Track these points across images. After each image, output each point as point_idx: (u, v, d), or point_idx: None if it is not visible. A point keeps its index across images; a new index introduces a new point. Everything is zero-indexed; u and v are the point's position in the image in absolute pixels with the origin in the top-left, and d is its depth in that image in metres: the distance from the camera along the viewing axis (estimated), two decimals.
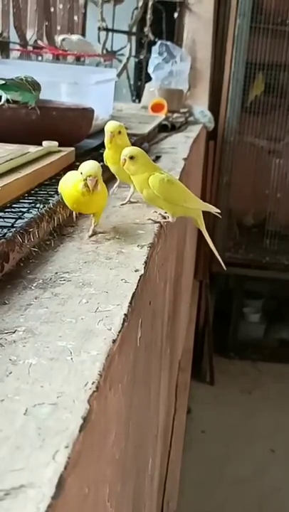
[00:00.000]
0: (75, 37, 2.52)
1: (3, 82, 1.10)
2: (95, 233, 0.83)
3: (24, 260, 0.71)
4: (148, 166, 0.92)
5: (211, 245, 1.06)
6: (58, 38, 2.45)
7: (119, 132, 0.97)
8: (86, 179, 0.77)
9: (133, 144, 1.50)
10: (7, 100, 1.11)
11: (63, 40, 2.42)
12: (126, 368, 0.65)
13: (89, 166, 0.78)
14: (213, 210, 1.04)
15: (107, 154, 1.01)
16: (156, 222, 0.92)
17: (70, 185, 0.80)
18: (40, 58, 2.48)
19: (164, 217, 0.94)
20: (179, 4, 3.10)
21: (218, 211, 1.05)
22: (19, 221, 0.73)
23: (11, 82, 1.11)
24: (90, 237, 0.82)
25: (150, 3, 3.10)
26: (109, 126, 0.98)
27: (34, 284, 0.65)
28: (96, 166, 0.78)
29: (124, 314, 0.59)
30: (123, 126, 0.99)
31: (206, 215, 1.05)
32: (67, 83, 1.42)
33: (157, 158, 1.56)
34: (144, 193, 0.92)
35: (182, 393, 2.38)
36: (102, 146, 1.35)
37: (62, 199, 0.83)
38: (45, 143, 1.04)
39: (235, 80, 3.18)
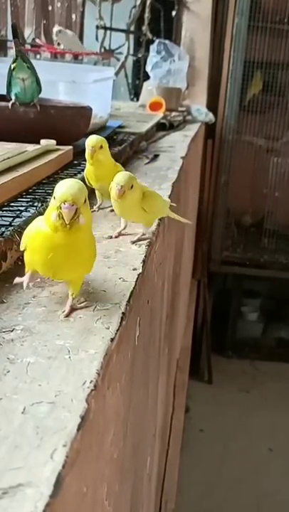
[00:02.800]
0: (70, 32, 2.49)
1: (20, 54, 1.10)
2: (73, 309, 0.59)
3: (22, 259, 0.71)
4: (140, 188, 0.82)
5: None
6: (54, 29, 2.43)
7: (101, 147, 0.91)
8: (60, 206, 0.55)
9: (131, 143, 1.51)
10: (15, 95, 1.11)
11: (59, 31, 2.40)
12: (124, 366, 0.64)
13: (65, 187, 0.56)
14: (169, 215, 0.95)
15: (88, 171, 0.94)
16: (143, 239, 0.84)
17: (35, 231, 0.58)
18: (38, 57, 2.48)
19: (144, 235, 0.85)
20: (177, 3, 3.10)
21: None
22: (17, 220, 0.73)
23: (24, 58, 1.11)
24: (67, 315, 0.57)
25: (148, 2, 3.10)
26: (90, 141, 0.90)
27: (32, 283, 0.64)
28: (77, 187, 0.56)
29: (122, 313, 0.59)
30: (105, 140, 0.92)
31: (204, 213, 1.05)
32: (65, 81, 1.41)
33: (155, 157, 1.56)
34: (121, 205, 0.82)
35: (180, 392, 2.38)
36: None
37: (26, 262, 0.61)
38: (43, 141, 1.04)
39: (233, 78, 3.18)
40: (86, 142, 0.91)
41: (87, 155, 0.91)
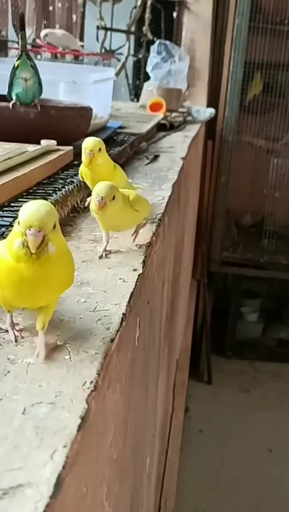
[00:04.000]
0: (59, 31, 2.47)
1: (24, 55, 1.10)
2: (50, 348, 0.51)
3: None
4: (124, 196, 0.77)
5: None
6: (41, 34, 2.41)
7: (100, 150, 0.85)
8: (25, 233, 0.47)
9: (131, 144, 1.51)
10: (16, 95, 1.11)
11: (46, 35, 2.38)
12: (124, 367, 0.65)
13: (31, 211, 0.47)
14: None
15: (85, 173, 0.89)
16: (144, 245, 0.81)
17: None
18: (38, 57, 2.48)
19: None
20: (178, 3, 3.10)
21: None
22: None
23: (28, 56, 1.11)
24: (45, 357, 0.49)
25: (149, 3, 3.10)
26: (88, 144, 0.85)
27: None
28: (44, 211, 0.48)
29: (123, 314, 0.59)
30: (102, 142, 0.86)
31: (204, 214, 1.04)
32: (66, 82, 1.41)
33: (156, 158, 1.56)
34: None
35: (180, 392, 2.38)
36: None
37: None
38: (43, 142, 1.04)
39: (233, 79, 3.18)
40: (83, 145, 0.85)
41: (84, 159, 0.86)
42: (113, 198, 0.72)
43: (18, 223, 0.48)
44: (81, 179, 0.91)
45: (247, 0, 3.06)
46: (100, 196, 0.71)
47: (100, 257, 0.75)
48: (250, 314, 3.73)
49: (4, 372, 0.46)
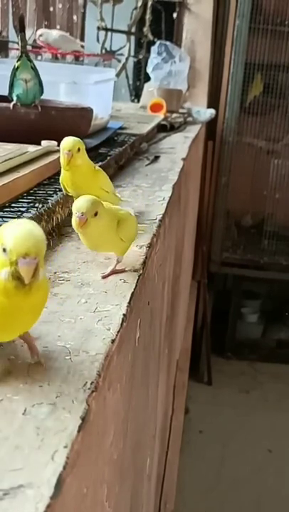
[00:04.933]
0: (55, 32, 2.46)
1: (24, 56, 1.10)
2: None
3: None
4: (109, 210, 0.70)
5: None
6: (37, 33, 2.39)
7: (78, 150, 0.80)
8: (17, 262, 0.41)
9: (132, 145, 1.51)
10: (17, 96, 1.11)
11: (41, 35, 2.36)
12: (124, 368, 0.65)
13: (23, 235, 0.42)
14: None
15: (64, 177, 0.83)
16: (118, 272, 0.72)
17: None
18: (39, 58, 2.48)
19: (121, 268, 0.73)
20: (178, 4, 3.10)
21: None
22: None
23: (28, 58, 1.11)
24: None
25: (149, 3, 3.10)
26: (66, 144, 0.80)
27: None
28: (37, 233, 0.42)
29: (123, 314, 0.59)
30: (82, 142, 0.82)
31: (204, 214, 1.03)
32: (66, 83, 1.42)
33: (156, 158, 1.56)
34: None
35: (180, 393, 2.38)
36: (101, 145, 1.35)
37: None
38: (44, 142, 1.04)
39: (234, 80, 3.18)
40: (61, 145, 0.80)
41: (62, 160, 0.80)
42: (95, 215, 0.64)
43: (4, 250, 0.41)
44: (64, 190, 0.84)
45: (247, 1, 3.06)
46: (80, 212, 0.64)
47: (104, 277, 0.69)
48: (250, 315, 3.73)
49: (5, 373, 0.46)
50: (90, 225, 0.64)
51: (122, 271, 0.71)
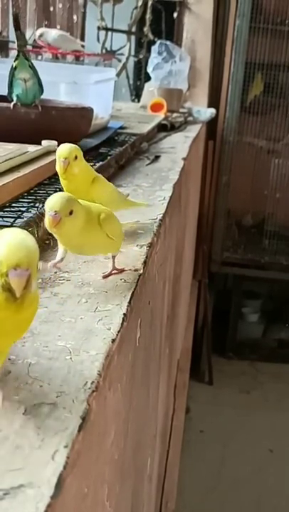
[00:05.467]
0: (55, 31, 2.45)
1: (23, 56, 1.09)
2: None
3: None
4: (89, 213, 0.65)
5: None
6: (37, 33, 2.39)
7: (76, 157, 0.76)
8: (7, 273, 0.38)
9: (132, 144, 1.51)
10: (17, 96, 1.11)
11: (41, 35, 2.36)
12: (125, 367, 0.65)
13: (15, 245, 0.39)
14: None
15: (63, 185, 0.80)
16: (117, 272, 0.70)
17: None
18: (39, 58, 2.48)
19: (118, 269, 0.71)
20: (179, 4, 3.10)
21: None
22: (18, 220, 0.73)
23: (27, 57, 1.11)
24: None
25: (149, 3, 3.10)
26: (62, 151, 0.76)
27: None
28: (30, 242, 0.40)
29: (124, 314, 0.59)
30: (79, 149, 0.77)
31: (205, 214, 1.03)
32: (67, 82, 1.41)
33: (156, 158, 1.56)
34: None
35: (181, 393, 2.38)
36: (101, 145, 1.35)
37: None
38: (44, 142, 1.04)
39: (234, 79, 3.18)
40: (57, 152, 0.76)
41: (58, 168, 0.76)
42: (71, 213, 0.60)
43: None
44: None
45: (248, 0, 3.05)
46: (54, 210, 0.59)
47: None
48: (251, 315, 3.72)
49: (5, 373, 0.46)
50: (64, 224, 0.59)
51: (122, 270, 0.70)
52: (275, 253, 3.42)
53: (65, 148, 0.76)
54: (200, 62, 3.09)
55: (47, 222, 0.59)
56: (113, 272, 0.69)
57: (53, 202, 0.59)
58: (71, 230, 0.61)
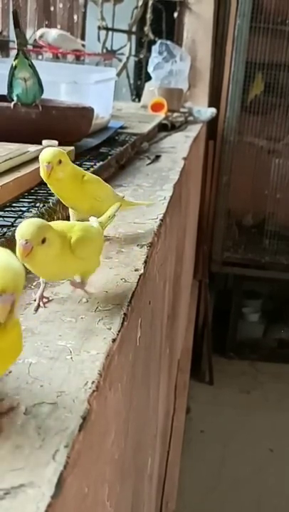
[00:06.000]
0: (55, 31, 2.45)
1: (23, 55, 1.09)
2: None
3: None
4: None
5: None
6: (37, 33, 2.38)
7: (60, 162, 0.72)
8: None
9: (133, 144, 1.51)
10: (17, 96, 1.10)
11: (41, 35, 2.36)
12: (125, 367, 0.65)
13: (1, 269, 0.38)
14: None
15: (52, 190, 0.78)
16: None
17: None
18: (40, 57, 2.48)
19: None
20: (179, 4, 3.10)
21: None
22: (19, 220, 0.73)
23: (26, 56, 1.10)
24: None
25: (150, 3, 3.10)
26: (45, 156, 0.72)
27: (34, 284, 0.64)
28: (16, 265, 0.39)
29: (124, 314, 0.59)
30: (64, 153, 0.74)
31: (205, 214, 1.03)
32: (67, 82, 1.41)
33: (157, 158, 1.56)
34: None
35: (181, 393, 2.38)
36: (101, 145, 1.35)
37: None
38: (44, 142, 1.04)
39: (234, 79, 3.18)
40: (40, 157, 0.73)
41: (42, 173, 0.73)
42: (43, 242, 0.54)
43: None
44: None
45: (248, 0, 3.05)
46: (24, 239, 0.53)
47: (36, 309, 0.59)
48: (252, 315, 3.72)
49: (6, 372, 0.46)
50: (36, 254, 0.53)
51: (89, 293, 0.62)
52: (275, 253, 3.42)
53: (48, 153, 0.73)
54: (200, 62, 3.09)
55: (17, 251, 0.53)
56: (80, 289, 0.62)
57: (24, 229, 0.53)
58: (44, 259, 0.55)
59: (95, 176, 0.82)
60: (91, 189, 0.78)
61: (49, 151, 0.73)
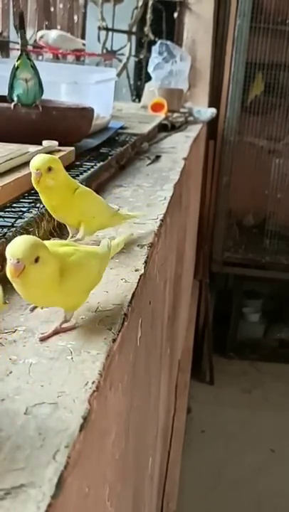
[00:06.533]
0: (54, 32, 2.45)
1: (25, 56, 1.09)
2: None
3: None
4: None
5: None
6: (38, 34, 2.39)
7: (49, 169, 0.69)
8: None
9: (133, 144, 1.51)
10: (17, 96, 1.10)
11: (41, 36, 2.36)
12: (126, 367, 0.65)
13: None
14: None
15: (42, 199, 0.74)
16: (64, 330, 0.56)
17: None
18: (40, 58, 2.48)
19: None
20: (179, 4, 3.10)
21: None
22: (19, 220, 0.73)
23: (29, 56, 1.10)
24: None
25: (150, 3, 3.10)
26: (35, 162, 0.69)
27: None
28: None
29: (124, 314, 0.59)
30: (56, 159, 0.71)
31: (206, 214, 1.03)
32: (67, 83, 1.42)
33: (157, 158, 1.56)
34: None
35: (182, 393, 2.38)
36: (102, 145, 1.36)
37: None
38: (45, 142, 1.04)
39: (235, 79, 3.18)
40: (30, 163, 0.70)
41: (32, 180, 0.70)
42: (36, 261, 0.50)
43: None
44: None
45: (248, 0, 3.05)
46: (15, 258, 0.49)
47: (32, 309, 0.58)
48: (252, 315, 3.72)
49: (6, 373, 0.46)
50: (28, 273, 0.50)
51: (70, 329, 0.55)
52: (276, 253, 3.42)
53: (38, 159, 0.69)
54: (200, 62, 3.09)
55: (8, 271, 0.50)
56: (56, 333, 0.55)
57: (15, 247, 0.50)
58: (35, 281, 0.51)
59: (87, 189, 0.78)
60: (82, 203, 0.74)
61: (39, 157, 0.70)
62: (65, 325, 0.55)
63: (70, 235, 0.77)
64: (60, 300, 0.55)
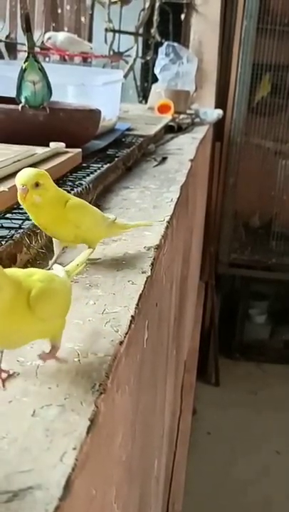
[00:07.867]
0: (62, 34, 2.45)
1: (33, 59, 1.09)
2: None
3: (31, 261, 0.71)
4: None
5: None
6: (45, 37, 2.39)
7: (37, 184, 0.63)
8: None
9: (139, 146, 1.51)
10: (25, 98, 1.11)
11: (49, 38, 2.36)
12: (133, 369, 0.65)
13: None
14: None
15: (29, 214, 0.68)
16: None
17: None
18: (47, 59, 2.48)
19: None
20: (186, 5, 3.10)
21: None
22: (27, 222, 0.74)
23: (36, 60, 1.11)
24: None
25: (157, 5, 3.10)
26: (20, 177, 0.62)
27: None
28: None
29: (131, 316, 0.59)
30: (45, 174, 0.65)
31: (212, 215, 1.03)
32: (75, 84, 1.42)
33: (164, 160, 1.56)
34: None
35: (188, 394, 2.38)
36: (108, 146, 1.36)
37: None
38: (52, 144, 1.04)
39: (241, 81, 3.18)
40: (16, 178, 0.63)
41: (18, 196, 0.63)
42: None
43: None
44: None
45: (255, 1, 3.05)
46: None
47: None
48: (258, 316, 3.72)
49: (14, 375, 0.47)
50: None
51: (62, 360, 0.49)
52: (282, 254, 3.42)
53: (23, 174, 0.62)
54: (207, 64, 3.09)
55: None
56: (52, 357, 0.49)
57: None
58: (12, 315, 0.44)
59: (80, 200, 0.72)
60: (74, 216, 0.68)
61: (25, 171, 0.63)
62: (58, 353, 0.49)
63: (56, 255, 0.70)
64: (36, 331, 0.47)
